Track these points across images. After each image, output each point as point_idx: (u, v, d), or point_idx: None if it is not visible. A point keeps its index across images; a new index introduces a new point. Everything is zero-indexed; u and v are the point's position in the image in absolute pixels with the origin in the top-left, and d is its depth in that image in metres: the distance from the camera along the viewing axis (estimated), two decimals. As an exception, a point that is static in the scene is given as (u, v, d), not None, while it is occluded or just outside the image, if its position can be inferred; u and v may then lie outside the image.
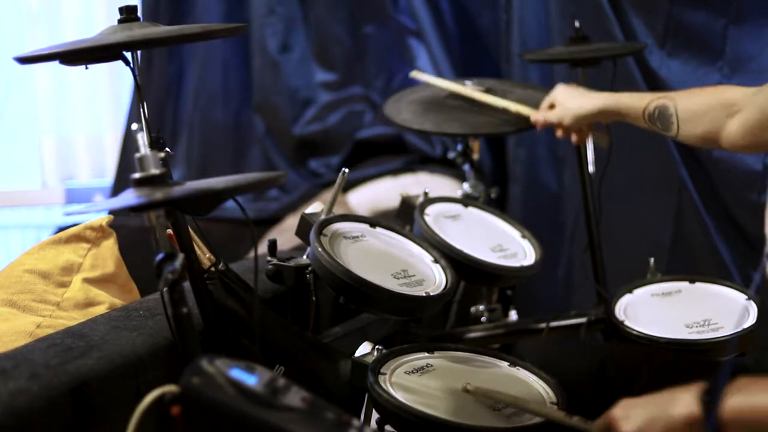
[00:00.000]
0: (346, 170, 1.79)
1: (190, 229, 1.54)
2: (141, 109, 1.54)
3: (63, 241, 1.82)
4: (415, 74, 2.41)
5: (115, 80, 3.92)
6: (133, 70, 1.51)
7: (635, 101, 1.90)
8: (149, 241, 1.22)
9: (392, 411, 1.47)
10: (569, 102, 2.00)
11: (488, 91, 2.25)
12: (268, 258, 1.74)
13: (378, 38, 3.63)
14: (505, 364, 1.68)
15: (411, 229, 1.97)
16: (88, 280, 1.79)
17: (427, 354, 1.67)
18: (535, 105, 2.14)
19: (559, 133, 2.06)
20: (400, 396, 1.49)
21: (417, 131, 3.19)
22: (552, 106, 2.05)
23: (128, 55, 1.49)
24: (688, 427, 1.20)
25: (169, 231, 1.43)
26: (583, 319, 2.10)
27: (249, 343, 1.60)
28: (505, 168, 3.28)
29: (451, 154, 2.48)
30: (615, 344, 1.87)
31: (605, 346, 1.82)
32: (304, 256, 1.73)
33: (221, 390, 1.07)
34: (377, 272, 1.68)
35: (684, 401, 1.21)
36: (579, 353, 1.66)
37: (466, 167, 2.42)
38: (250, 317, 1.61)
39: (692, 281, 2.00)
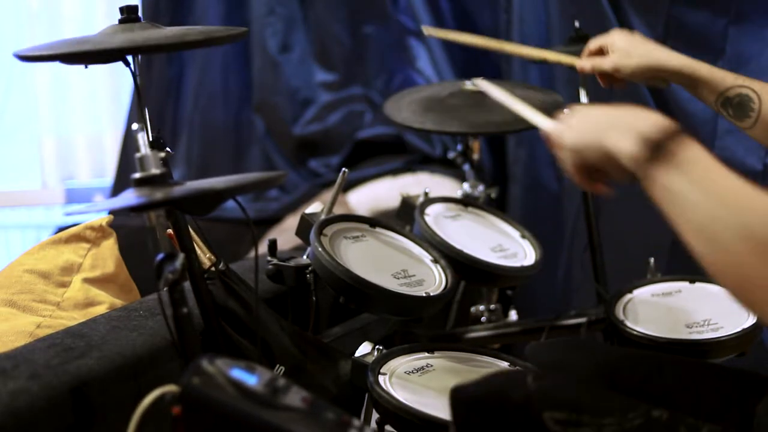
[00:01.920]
0: (346, 170, 1.79)
1: (190, 229, 1.54)
2: (141, 109, 1.54)
3: (63, 241, 1.83)
4: (426, 30, 2.35)
5: (115, 80, 3.92)
6: (133, 72, 1.51)
7: (716, 78, 1.73)
8: (149, 241, 1.22)
9: (392, 411, 1.47)
10: (634, 49, 1.80)
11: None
12: (268, 258, 1.74)
13: (378, 38, 3.63)
14: (505, 364, 1.68)
15: (411, 229, 1.97)
16: (88, 280, 1.79)
17: (427, 354, 1.67)
18: (536, 106, 2.14)
19: (604, 82, 1.88)
20: (400, 396, 1.49)
21: (417, 131, 3.19)
22: (601, 52, 1.87)
23: (129, 56, 1.49)
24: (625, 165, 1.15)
25: (170, 231, 1.43)
26: (583, 319, 2.10)
27: (249, 343, 1.60)
28: (505, 168, 3.28)
29: (451, 154, 2.48)
30: (624, 349, 1.86)
31: (614, 350, 1.81)
32: (304, 256, 1.73)
33: (221, 390, 1.07)
34: (377, 272, 1.68)
35: (627, 141, 1.13)
36: (587, 357, 1.65)
37: (466, 167, 2.42)
38: (250, 317, 1.61)
39: (692, 281, 2.00)
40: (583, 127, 1.22)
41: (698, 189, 1.07)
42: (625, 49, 1.82)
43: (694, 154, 1.09)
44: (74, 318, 1.69)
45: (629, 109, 1.18)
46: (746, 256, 0.99)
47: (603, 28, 2.61)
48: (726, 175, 1.07)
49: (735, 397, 1.47)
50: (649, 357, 1.66)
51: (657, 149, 1.10)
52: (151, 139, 1.49)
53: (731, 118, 1.73)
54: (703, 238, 1.04)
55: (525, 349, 1.72)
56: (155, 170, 1.21)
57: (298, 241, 1.81)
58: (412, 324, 1.97)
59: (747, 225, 1.01)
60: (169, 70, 3.76)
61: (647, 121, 1.13)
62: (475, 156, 2.42)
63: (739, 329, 1.82)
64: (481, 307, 2.30)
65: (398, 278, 1.71)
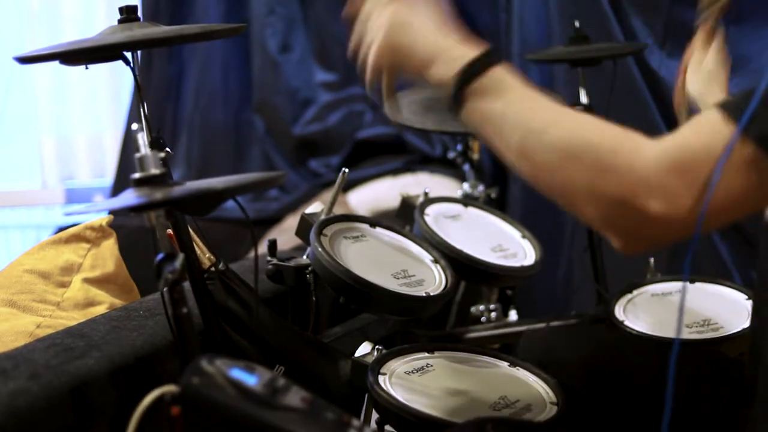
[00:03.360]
0: (346, 170, 1.79)
1: (190, 229, 1.54)
2: (141, 109, 1.54)
3: (63, 241, 1.82)
4: None
5: (115, 80, 3.92)
6: (133, 70, 1.51)
7: None
8: (149, 241, 1.22)
9: (392, 411, 1.47)
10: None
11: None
12: (268, 258, 1.74)
13: (378, 38, 3.63)
14: (505, 364, 1.68)
15: (411, 229, 1.97)
16: (88, 280, 1.79)
17: (427, 354, 1.66)
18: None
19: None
20: (399, 396, 1.49)
21: (417, 131, 3.19)
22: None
23: (128, 55, 1.49)
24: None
25: (169, 231, 1.43)
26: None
27: (249, 343, 1.60)
28: (505, 168, 3.28)
29: (451, 154, 2.48)
30: (616, 335, 1.85)
31: (606, 337, 1.81)
32: (304, 256, 1.73)
33: (221, 390, 1.07)
34: (377, 272, 1.68)
35: (444, 66, 1.21)
36: (580, 345, 1.66)
37: (466, 167, 2.42)
38: (250, 317, 1.61)
39: (692, 281, 2.00)
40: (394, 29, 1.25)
41: (510, 110, 1.15)
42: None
43: (504, 78, 1.16)
44: (74, 318, 1.69)
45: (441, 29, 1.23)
46: (558, 163, 1.11)
47: (603, 28, 2.63)
48: (533, 96, 1.15)
49: (727, 381, 1.47)
50: (642, 342, 1.66)
51: (471, 78, 1.17)
52: (150, 139, 1.49)
53: None
54: (519, 154, 1.15)
55: (519, 341, 1.73)
56: (155, 170, 1.21)
57: (298, 241, 1.81)
58: (412, 324, 1.97)
59: (554, 138, 1.11)
60: (169, 70, 3.76)
61: (460, 49, 1.19)
62: (475, 156, 2.43)
63: (739, 329, 1.81)
64: (481, 307, 2.30)
65: (398, 278, 1.71)
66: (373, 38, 1.27)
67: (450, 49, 1.21)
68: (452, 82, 1.19)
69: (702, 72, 1.79)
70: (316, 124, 3.70)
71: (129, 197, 1.19)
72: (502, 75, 1.17)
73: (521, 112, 1.15)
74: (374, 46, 1.27)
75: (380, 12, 1.26)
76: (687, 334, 1.84)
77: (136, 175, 1.21)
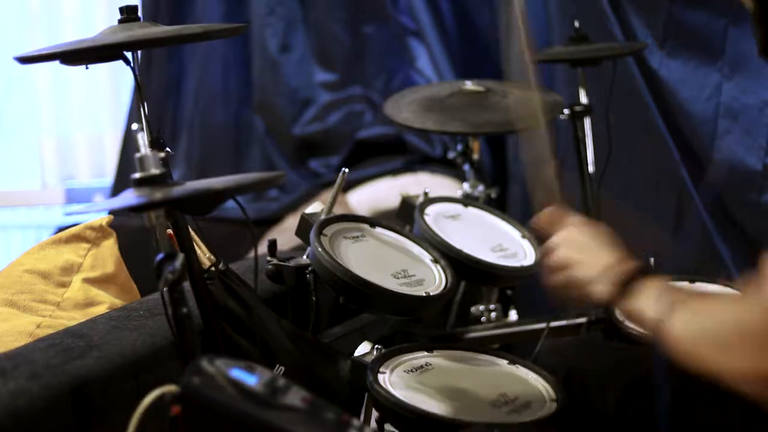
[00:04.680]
0: (346, 170, 1.79)
1: (190, 229, 1.54)
2: (141, 109, 1.54)
3: (63, 241, 1.83)
4: None
5: (115, 80, 3.92)
6: (133, 69, 1.51)
7: None
8: (149, 241, 1.22)
9: (391, 409, 1.47)
10: None
11: (488, 91, 2.25)
12: (268, 258, 1.74)
13: (378, 38, 3.63)
14: (504, 362, 1.68)
15: (411, 229, 1.97)
16: (88, 280, 1.79)
17: (426, 353, 1.67)
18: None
19: None
20: (399, 394, 1.49)
21: (417, 131, 3.19)
22: None
23: (129, 54, 1.49)
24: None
25: (169, 231, 1.43)
26: (583, 319, 2.10)
27: (249, 343, 1.60)
28: (505, 168, 3.28)
29: (451, 154, 2.48)
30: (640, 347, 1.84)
31: (622, 349, 1.80)
32: (304, 256, 1.73)
33: (221, 390, 1.07)
34: (377, 272, 1.68)
35: (603, 285, 1.34)
36: (607, 357, 1.66)
37: (466, 167, 2.42)
38: (250, 317, 1.61)
39: (692, 281, 2.00)
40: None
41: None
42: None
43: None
44: (74, 318, 1.69)
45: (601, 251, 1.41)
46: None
47: (603, 28, 2.63)
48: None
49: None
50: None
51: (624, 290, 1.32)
52: (150, 139, 1.49)
53: None
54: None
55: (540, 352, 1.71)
56: (155, 170, 1.21)
57: (298, 241, 1.81)
58: (412, 324, 1.97)
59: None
60: (169, 70, 3.76)
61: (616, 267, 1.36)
62: (475, 156, 2.42)
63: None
64: (481, 307, 2.30)
65: (398, 278, 1.71)
66: (558, 251, 1.42)
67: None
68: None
69: None
70: (316, 124, 3.70)
71: (129, 197, 1.19)
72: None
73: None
74: (556, 258, 1.41)
75: (562, 231, 1.44)
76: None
77: (136, 175, 1.21)
